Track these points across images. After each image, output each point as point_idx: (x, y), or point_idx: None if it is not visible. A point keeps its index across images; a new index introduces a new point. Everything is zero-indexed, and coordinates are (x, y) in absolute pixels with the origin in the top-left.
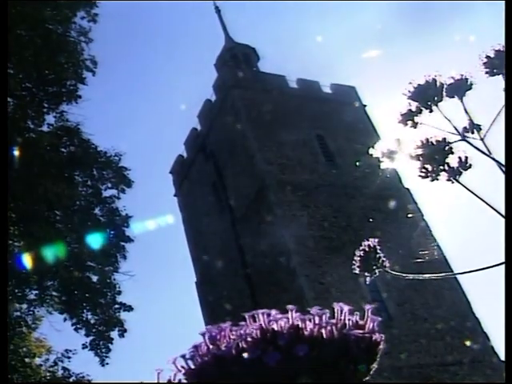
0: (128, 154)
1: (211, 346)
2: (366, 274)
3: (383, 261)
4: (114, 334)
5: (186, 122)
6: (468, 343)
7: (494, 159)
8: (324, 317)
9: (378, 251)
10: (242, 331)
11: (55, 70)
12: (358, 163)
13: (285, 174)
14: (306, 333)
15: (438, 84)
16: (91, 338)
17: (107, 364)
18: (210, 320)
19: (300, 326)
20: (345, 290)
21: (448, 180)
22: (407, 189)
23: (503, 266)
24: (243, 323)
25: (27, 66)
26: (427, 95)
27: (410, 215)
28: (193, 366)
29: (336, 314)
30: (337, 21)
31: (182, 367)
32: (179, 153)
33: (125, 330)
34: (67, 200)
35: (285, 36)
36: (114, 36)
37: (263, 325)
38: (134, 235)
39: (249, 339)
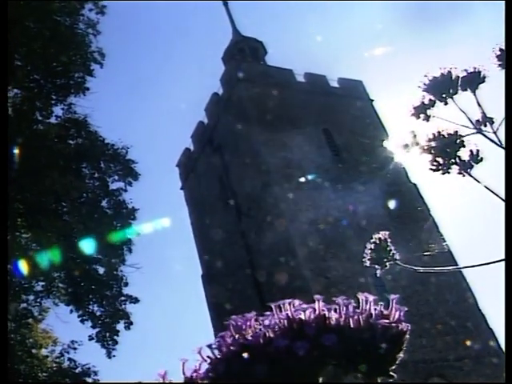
0: (135, 146)
1: (237, 336)
2: (377, 266)
3: (394, 253)
4: (120, 326)
5: (193, 115)
6: (473, 339)
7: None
8: (350, 307)
9: (389, 244)
10: (268, 321)
11: (63, 62)
12: (365, 158)
13: (291, 168)
14: (332, 322)
15: (453, 77)
16: (97, 329)
17: (114, 356)
18: (215, 312)
19: (327, 315)
20: (350, 285)
21: (459, 173)
22: (414, 184)
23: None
24: (268, 313)
25: (35, 58)
26: (443, 88)
27: (416, 209)
28: (219, 356)
29: (361, 304)
30: (343, 17)
31: (208, 357)
32: (186, 146)
33: (131, 323)
34: (74, 192)
35: (292, 30)
36: (123, 29)
37: (290, 315)
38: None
39: (276, 329)
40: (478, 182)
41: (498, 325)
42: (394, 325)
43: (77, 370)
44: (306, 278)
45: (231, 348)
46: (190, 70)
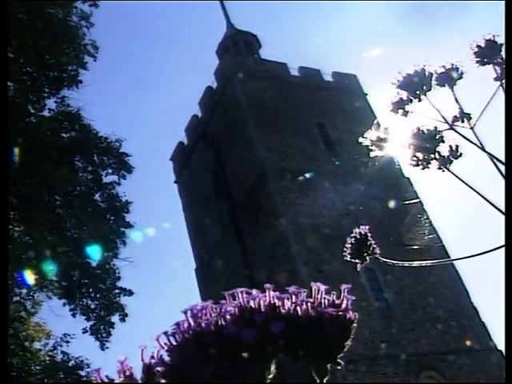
0: (129, 140)
1: (192, 324)
2: (357, 260)
3: (374, 248)
4: (115, 319)
5: (187, 108)
6: (465, 333)
7: (480, 147)
8: (300, 295)
9: (369, 238)
10: (222, 309)
11: (56, 55)
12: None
13: (285, 162)
14: (282, 310)
15: (426, 73)
16: (92, 322)
17: (107, 348)
18: None
19: (277, 304)
20: (344, 278)
21: (439, 168)
22: (407, 178)
23: (498, 256)
24: (223, 302)
25: (28, 51)
26: (415, 84)
27: (407, 202)
28: (174, 343)
29: (313, 294)
30: (339, 13)
31: (165, 343)
32: (180, 140)
33: (126, 315)
34: (68, 185)
35: (287, 24)
36: (116, 22)
37: (242, 302)
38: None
39: (227, 316)
40: (457, 177)
41: (490, 319)
42: (341, 313)
43: (70, 363)
44: (299, 272)
45: (185, 335)
46: (184, 63)
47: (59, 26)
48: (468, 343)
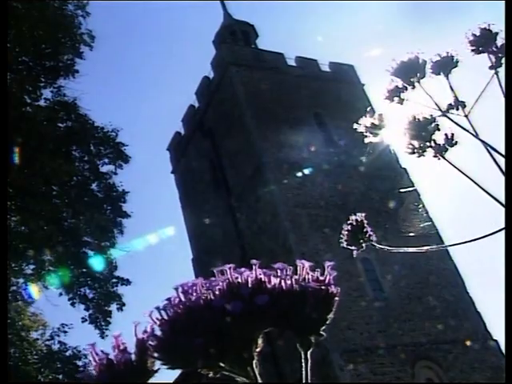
0: (125, 130)
1: (183, 299)
2: (353, 247)
3: (370, 235)
4: (113, 308)
5: (184, 98)
6: (461, 323)
7: (474, 135)
8: (285, 271)
9: (365, 226)
10: (211, 284)
11: (52, 44)
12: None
13: (282, 153)
14: (268, 285)
15: (420, 61)
16: (90, 311)
17: (107, 336)
18: None
19: (263, 279)
20: (340, 269)
21: (434, 156)
22: (404, 169)
23: (492, 246)
24: (213, 278)
25: (24, 40)
26: (410, 72)
27: (403, 191)
28: (166, 317)
29: (298, 270)
30: (338, 6)
31: (157, 318)
32: (177, 130)
33: (123, 304)
34: (64, 175)
35: (284, 13)
36: (112, 11)
37: (230, 278)
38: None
39: (216, 291)
40: (453, 165)
41: (485, 308)
42: (324, 288)
43: (67, 353)
44: (296, 262)
45: (176, 309)
46: (181, 53)
47: (55, 15)
48: (464, 333)
